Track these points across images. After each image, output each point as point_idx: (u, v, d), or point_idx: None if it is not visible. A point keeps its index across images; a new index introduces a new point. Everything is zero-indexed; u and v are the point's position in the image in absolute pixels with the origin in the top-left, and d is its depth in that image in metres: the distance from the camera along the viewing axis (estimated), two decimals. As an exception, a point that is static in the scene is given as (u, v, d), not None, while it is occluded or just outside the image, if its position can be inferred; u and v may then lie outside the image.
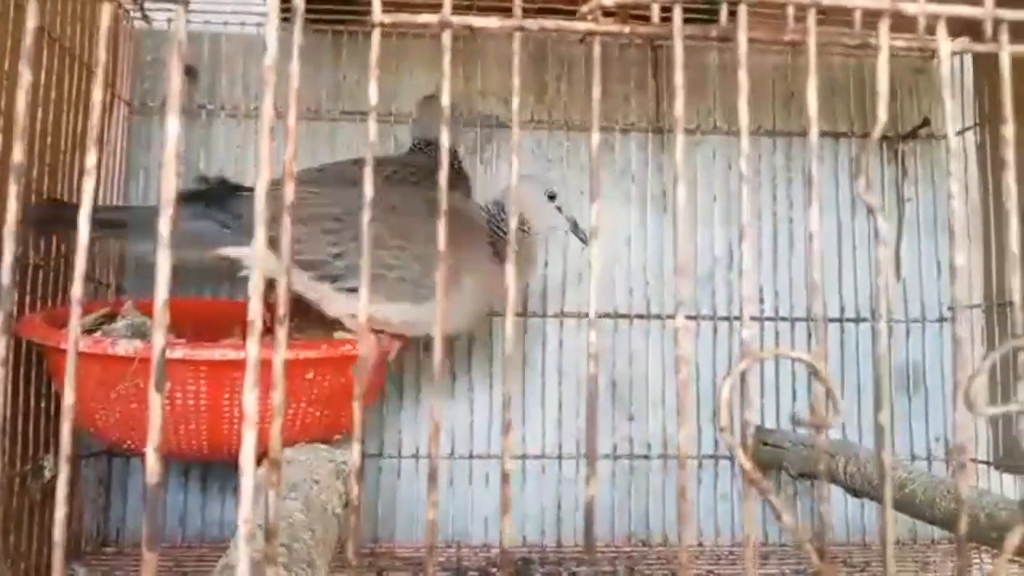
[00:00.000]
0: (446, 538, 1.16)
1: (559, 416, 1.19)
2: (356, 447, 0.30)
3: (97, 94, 0.28)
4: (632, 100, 1.25)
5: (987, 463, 1.18)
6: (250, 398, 0.28)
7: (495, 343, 1.20)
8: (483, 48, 1.21)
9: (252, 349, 0.28)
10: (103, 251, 1.12)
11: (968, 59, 1.25)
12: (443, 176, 0.31)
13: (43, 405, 0.91)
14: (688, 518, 0.28)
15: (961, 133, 1.23)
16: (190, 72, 1.18)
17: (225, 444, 0.83)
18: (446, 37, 0.31)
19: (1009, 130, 0.32)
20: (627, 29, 0.31)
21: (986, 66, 1.23)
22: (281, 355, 0.30)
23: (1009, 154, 0.32)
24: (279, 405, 0.30)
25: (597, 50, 0.31)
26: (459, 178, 1.08)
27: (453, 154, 1.10)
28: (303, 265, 0.89)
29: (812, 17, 0.31)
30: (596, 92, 0.31)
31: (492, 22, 0.31)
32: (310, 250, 0.89)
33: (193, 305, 1.06)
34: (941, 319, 1.24)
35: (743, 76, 0.31)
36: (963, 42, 0.34)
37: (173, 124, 0.28)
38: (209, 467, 1.13)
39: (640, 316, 1.22)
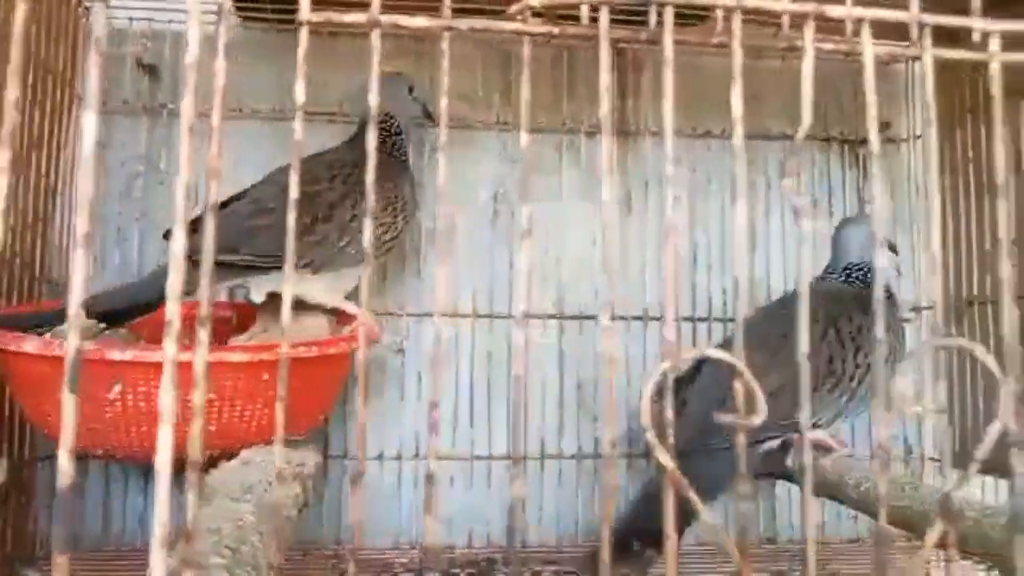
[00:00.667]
0: (409, 539, 1.16)
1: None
2: (278, 450, 0.30)
3: (11, 94, 0.28)
4: (597, 102, 1.25)
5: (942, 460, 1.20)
6: (167, 398, 0.28)
7: (459, 343, 1.20)
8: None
9: (169, 350, 0.28)
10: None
11: (928, 63, 1.27)
12: (370, 174, 0.31)
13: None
14: (610, 518, 0.28)
15: (920, 136, 1.25)
16: (152, 71, 1.17)
17: (178, 447, 0.83)
18: (375, 36, 0.31)
19: (933, 133, 0.32)
20: (556, 30, 0.31)
21: (943, 70, 1.25)
22: (203, 356, 0.30)
23: (933, 158, 0.33)
24: (199, 406, 0.29)
25: (527, 50, 0.31)
26: (393, 166, 1.08)
27: (394, 144, 1.10)
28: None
29: (738, 19, 0.31)
30: (525, 92, 0.31)
31: (421, 21, 0.31)
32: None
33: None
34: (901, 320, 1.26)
35: (668, 76, 0.31)
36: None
37: (91, 121, 0.28)
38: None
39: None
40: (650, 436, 0.29)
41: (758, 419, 0.28)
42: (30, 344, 0.77)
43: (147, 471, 1.12)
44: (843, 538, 1.21)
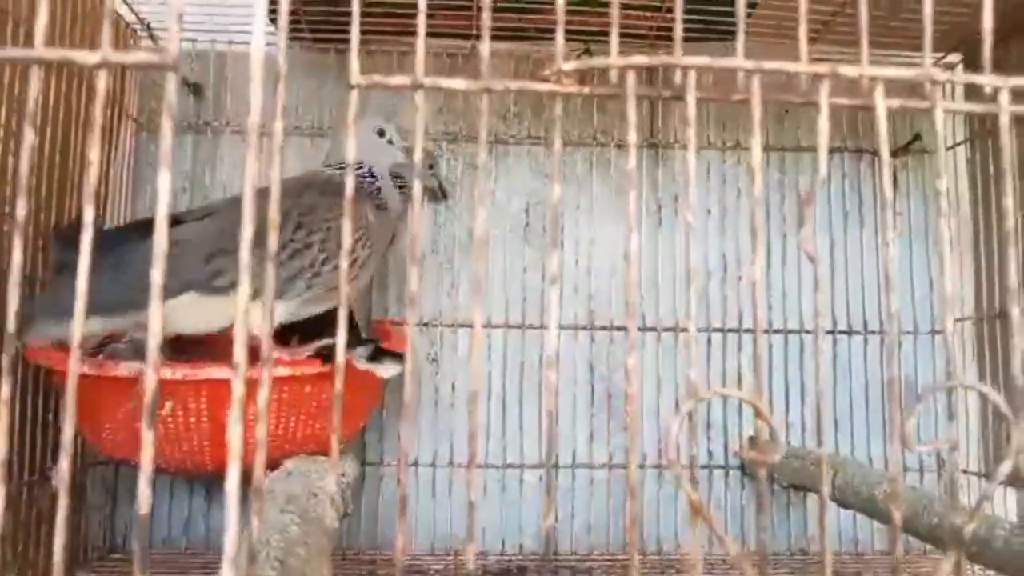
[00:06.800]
0: (445, 546, 1.19)
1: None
2: (334, 464, 0.32)
3: (93, 153, 0.31)
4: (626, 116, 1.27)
5: (978, 474, 1.20)
6: (235, 425, 0.31)
7: (491, 354, 1.22)
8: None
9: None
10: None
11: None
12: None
13: (50, 416, 0.94)
14: (634, 527, 0.30)
15: (952, 148, 1.25)
16: (196, 90, 1.21)
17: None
18: (419, 97, 0.33)
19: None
20: (587, 90, 0.34)
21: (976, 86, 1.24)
22: (267, 374, 0.32)
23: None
24: (262, 437, 0.32)
25: (558, 108, 0.34)
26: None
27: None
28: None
29: (757, 80, 0.33)
30: (557, 144, 0.33)
31: (460, 83, 0.33)
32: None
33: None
34: (933, 331, 1.26)
35: (691, 134, 0.33)
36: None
37: (165, 181, 0.31)
38: (213, 475, 1.16)
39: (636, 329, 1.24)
40: (676, 469, 0.31)
41: (777, 456, 0.30)
42: (86, 366, 0.81)
43: (206, 483, 1.16)
44: (878, 550, 1.21)
